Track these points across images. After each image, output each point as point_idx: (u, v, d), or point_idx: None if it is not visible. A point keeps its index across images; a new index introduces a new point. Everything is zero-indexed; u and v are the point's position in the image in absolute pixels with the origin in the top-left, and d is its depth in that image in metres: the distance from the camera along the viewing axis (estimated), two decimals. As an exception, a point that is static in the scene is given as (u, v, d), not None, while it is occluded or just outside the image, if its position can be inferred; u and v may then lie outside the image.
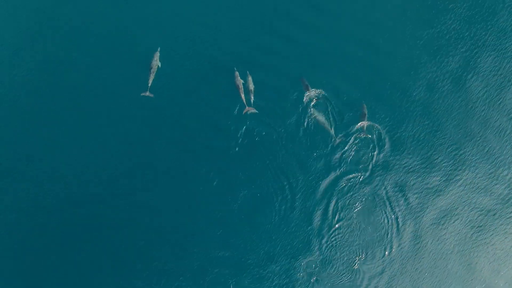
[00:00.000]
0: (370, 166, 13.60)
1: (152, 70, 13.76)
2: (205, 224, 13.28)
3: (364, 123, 13.66)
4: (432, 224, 13.47)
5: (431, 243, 13.40)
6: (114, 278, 12.98)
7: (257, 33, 14.49)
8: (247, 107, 13.58)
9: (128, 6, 14.79)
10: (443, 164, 13.74)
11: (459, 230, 13.48)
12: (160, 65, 13.86)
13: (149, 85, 13.70)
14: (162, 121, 13.89)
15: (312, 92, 13.82)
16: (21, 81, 14.22)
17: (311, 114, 13.69)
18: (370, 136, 13.66)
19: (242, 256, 13.12)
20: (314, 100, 13.80)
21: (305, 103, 13.77)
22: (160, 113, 13.91)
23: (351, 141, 13.64)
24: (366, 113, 13.69)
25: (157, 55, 13.90)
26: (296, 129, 13.71)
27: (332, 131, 13.59)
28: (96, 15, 14.69)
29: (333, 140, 13.60)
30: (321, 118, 13.63)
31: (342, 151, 13.63)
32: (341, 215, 13.36)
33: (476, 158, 13.79)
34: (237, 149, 13.58)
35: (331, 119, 13.73)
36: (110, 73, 14.20)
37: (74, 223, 13.22)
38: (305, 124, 13.69)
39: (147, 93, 13.67)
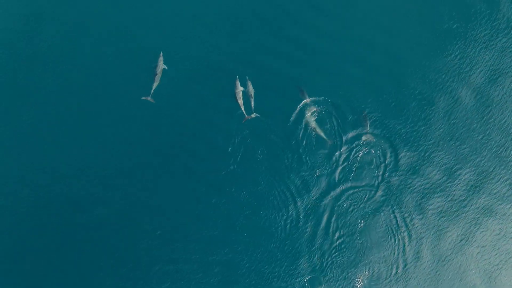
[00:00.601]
0: (377, 179, 13.43)
1: (156, 77, 13.67)
2: (206, 225, 13.28)
3: (366, 129, 13.62)
4: (451, 243, 13.19)
5: (446, 263, 13.17)
6: (114, 278, 12.98)
7: (257, 34, 14.49)
8: (246, 116, 13.55)
9: (128, 6, 14.76)
10: (460, 176, 13.49)
11: (482, 244, 13.22)
12: (166, 67, 13.82)
13: (152, 90, 13.64)
14: (162, 121, 13.88)
15: (309, 100, 13.77)
16: (22, 82, 14.20)
17: (305, 119, 13.62)
18: (372, 145, 13.53)
19: (243, 259, 13.12)
20: (313, 108, 13.74)
21: (299, 109, 13.71)
22: (160, 113, 13.90)
23: (353, 151, 13.51)
24: (368, 119, 13.65)
25: (161, 60, 13.85)
26: (296, 134, 13.70)
27: (324, 135, 13.51)
28: (97, 15, 14.64)
29: (325, 142, 13.52)
30: (313, 123, 13.56)
31: (346, 162, 13.49)
32: (344, 232, 13.18)
33: (494, 169, 13.53)
34: (237, 150, 13.59)
35: (330, 124, 13.65)
36: (110, 73, 14.18)
37: (74, 223, 13.23)
38: (300, 133, 13.63)
39: (149, 98, 13.61)
